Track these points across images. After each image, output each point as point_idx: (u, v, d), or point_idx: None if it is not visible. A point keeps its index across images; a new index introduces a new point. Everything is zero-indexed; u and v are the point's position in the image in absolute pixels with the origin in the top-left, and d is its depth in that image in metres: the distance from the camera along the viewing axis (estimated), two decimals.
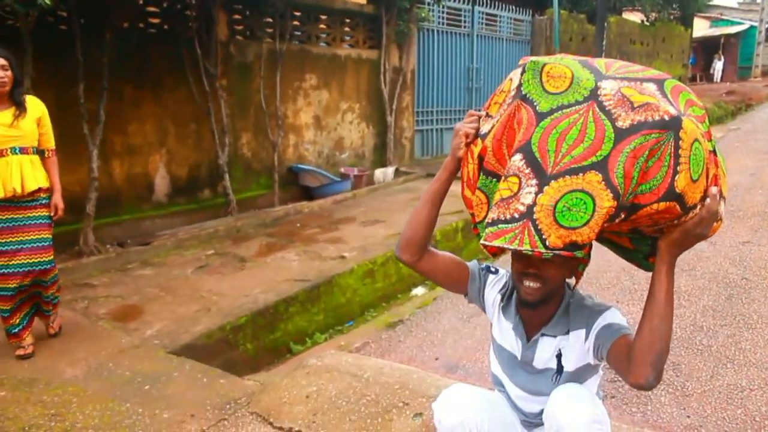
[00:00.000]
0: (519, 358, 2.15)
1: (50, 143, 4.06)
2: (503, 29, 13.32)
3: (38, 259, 3.97)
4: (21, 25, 5.32)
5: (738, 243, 5.81)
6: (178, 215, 7.39)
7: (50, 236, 4.05)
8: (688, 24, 24.65)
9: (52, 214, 4.06)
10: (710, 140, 1.73)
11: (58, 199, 4.08)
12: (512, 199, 1.70)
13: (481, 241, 1.76)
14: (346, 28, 9.75)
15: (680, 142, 1.60)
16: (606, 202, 1.60)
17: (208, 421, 3.20)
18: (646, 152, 1.60)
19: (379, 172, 9.93)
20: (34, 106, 3.95)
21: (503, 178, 1.75)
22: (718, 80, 29.41)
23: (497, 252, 1.85)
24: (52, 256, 4.06)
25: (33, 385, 3.59)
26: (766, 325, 4.10)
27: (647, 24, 21.59)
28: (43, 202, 4.00)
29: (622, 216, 1.67)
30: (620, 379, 3.42)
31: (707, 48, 32.11)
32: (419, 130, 11.44)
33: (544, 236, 1.64)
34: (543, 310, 2.05)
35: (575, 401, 1.92)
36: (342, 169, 9.56)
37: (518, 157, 1.73)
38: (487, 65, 12.85)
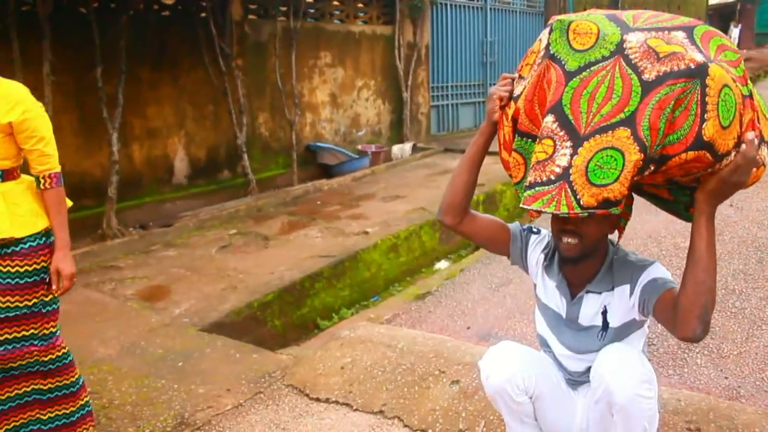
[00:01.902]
0: (564, 316, 2.15)
1: (48, 162, 2.41)
2: (516, 2, 13.14)
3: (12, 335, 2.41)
4: (39, 10, 5.32)
5: (765, 207, 5.72)
6: (198, 197, 7.41)
7: (28, 303, 2.42)
8: None
9: (50, 281, 2.46)
10: (746, 84, 1.69)
11: (61, 259, 2.46)
12: (548, 162, 1.71)
13: (521, 204, 1.76)
14: (360, 4, 9.67)
15: (707, 89, 1.58)
16: (633, 155, 1.60)
17: (244, 394, 3.22)
18: (672, 102, 1.59)
19: (396, 149, 9.88)
20: (5, 95, 2.32)
21: (538, 140, 1.76)
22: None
23: (538, 214, 1.86)
24: (39, 328, 2.46)
25: None
26: None
27: None
28: (19, 249, 2.38)
29: (652, 168, 1.67)
30: (655, 342, 3.42)
31: (723, 15, 31.54)
32: (435, 105, 11.35)
33: (578, 196, 1.65)
34: (586, 266, 2.05)
35: (624, 361, 1.91)
36: (359, 146, 9.52)
37: (551, 118, 1.73)
38: (502, 39, 12.70)
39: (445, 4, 11.22)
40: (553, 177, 1.69)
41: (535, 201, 1.72)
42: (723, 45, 1.71)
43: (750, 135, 1.65)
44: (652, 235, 5.10)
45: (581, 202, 1.64)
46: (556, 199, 1.68)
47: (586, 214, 1.67)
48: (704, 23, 1.76)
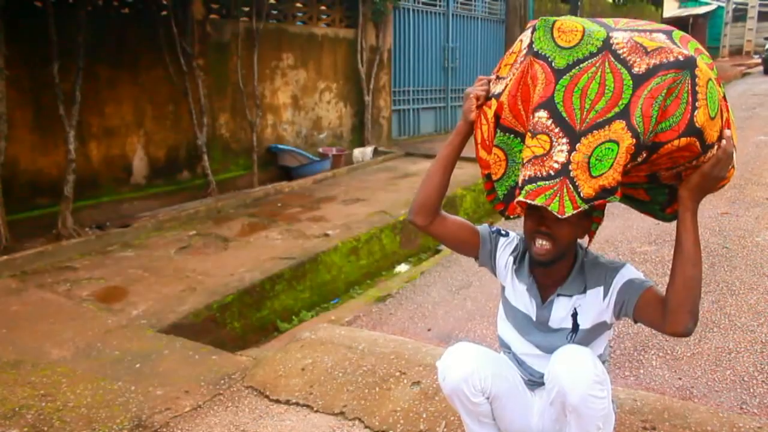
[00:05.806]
0: (534, 318, 2.17)
1: None
2: (478, 8, 13.27)
3: None
4: None
5: (716, 214, 5.89)
6: (156, 197, 7.29)
7: None
8: (658, 4, 24.80)
9: None
10: (720, 86, 1.77)
11: None
12: (546, 157, 1.75)
13: (519, 198, 1.79)
14: (323, 7, 9.65)
15: (696, 79, 1.65)
16: (626, 141, 1.65)
17: (203, 396, 3.18)
18: (664, 91, 1.64)
19: (357, 152, 9.88)
20: None
21: (531, 135, 1.79)
22: None
23: (522, 209, 1.90)
24: None
25: (20, 367, 3.53)
26: (748, 291, 4.17)
27: (619, 3, 21.68)
28: None
29: (644, 155, 1.72)
30: (611, 345, 3.48)
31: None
32: (396, 110, 11.38)
33: (580, 190, 1.70)
34: (557, 269, 2.08)
35: (577, 363, 1.93)
36: (320, 149, 9.48)
37: (543, 114, 1.77)
38: (463, 45, 12.81)
39: (408, 9, 11.27)
40: (552, 172, 1.73)
41: (538, 195, 1.76)
42: (699, 49, 1.79)
43: (728, 132, 1.73)
44: (609, 240, 5.19)
45: (582, 195, 1.70)
46: (558, 195, 1.72)
47: (586, 207, 1.72)
48: (678, 30, 1.83)
